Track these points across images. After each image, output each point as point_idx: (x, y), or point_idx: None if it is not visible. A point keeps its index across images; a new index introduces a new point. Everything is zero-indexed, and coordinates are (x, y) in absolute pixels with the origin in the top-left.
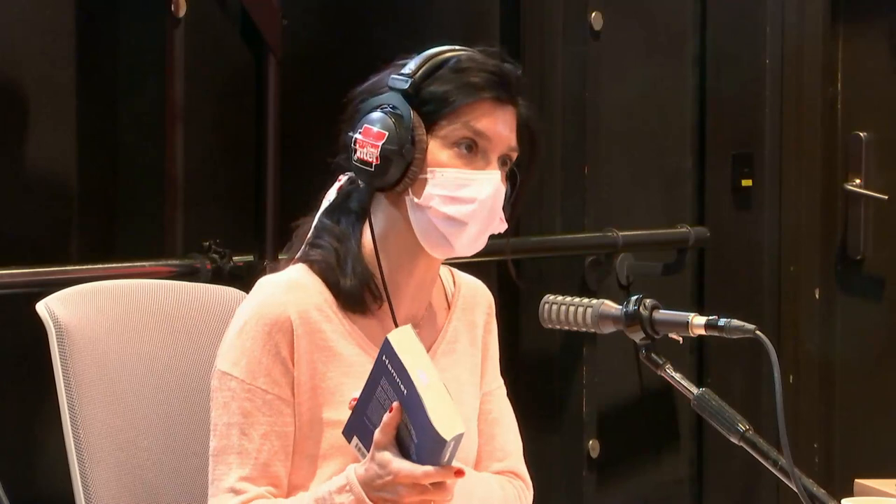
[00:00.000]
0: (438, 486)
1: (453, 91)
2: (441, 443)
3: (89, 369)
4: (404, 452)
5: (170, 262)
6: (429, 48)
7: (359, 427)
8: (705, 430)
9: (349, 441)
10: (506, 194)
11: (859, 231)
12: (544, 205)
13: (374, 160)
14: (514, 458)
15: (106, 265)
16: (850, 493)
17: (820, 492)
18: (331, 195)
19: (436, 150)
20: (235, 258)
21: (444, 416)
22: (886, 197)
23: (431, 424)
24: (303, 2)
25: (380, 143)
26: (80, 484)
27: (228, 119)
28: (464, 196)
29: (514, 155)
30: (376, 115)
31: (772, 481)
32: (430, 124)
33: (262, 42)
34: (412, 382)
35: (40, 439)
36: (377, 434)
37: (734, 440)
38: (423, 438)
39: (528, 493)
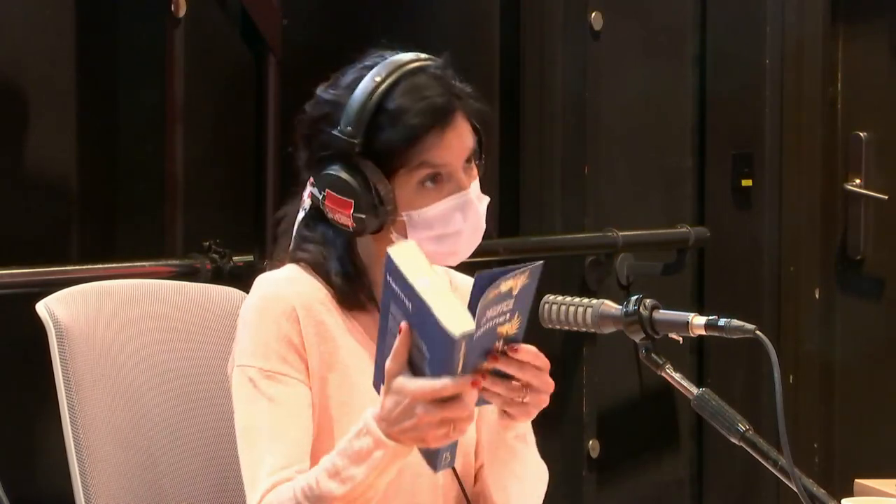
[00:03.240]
0: (456, 401)
1: (399, 141)
2: (451, 342)
3: (89, 369)
4: (418, 375)
5: (170, 262)
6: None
7: (383, 373)
8: (705, 430)
9: (378, 392)
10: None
11: (859, 231)
12: (544, 205)
13: (350, 224)
14: None
15: (106, 265)
16: (850, 493)
17: (820, 492)
18: (305, 204)
19: (404, 193)
20: (235, 258)
21: (452, 314)
22: (886, 197)
23: (439, 323)
24: (303, 2)
25: (350, 212)
26: (80, 484)
27: (228, 119)
28: (449, 231)
29: (474, 147)
30: (335, 179)
31: (772, 481)
32: (390, 171)
33: (262, 42)
34: (413, 288)
35: (40, 439)
36: (388, 363)
37: (734, 440)
38: (433, 347)
39: None
